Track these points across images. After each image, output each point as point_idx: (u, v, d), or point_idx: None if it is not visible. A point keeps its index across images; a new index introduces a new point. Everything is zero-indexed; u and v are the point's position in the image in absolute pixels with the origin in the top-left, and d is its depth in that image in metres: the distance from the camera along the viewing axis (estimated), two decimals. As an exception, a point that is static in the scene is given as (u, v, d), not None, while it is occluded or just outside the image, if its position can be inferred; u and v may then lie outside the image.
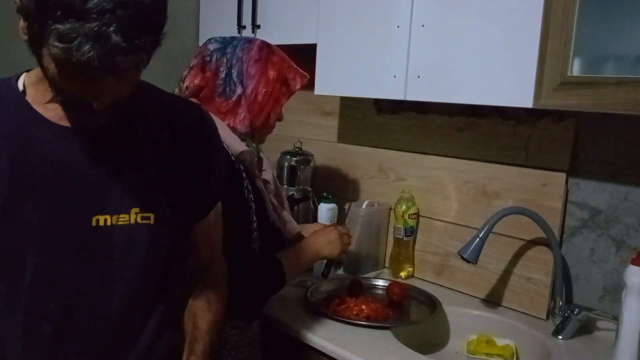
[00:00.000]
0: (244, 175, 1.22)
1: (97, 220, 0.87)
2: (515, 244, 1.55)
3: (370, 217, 1.77)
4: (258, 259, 1.24)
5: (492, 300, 1.60)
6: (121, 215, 0.88)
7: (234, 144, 1.21)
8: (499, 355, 1.38)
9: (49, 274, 0.87)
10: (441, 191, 1.71)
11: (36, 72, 0.86)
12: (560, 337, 1.38)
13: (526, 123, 1.53)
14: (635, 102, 1.07)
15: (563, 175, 1.46)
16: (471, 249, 1.38)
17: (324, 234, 1.42)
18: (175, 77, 2.17)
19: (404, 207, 1.72)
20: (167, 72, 2.15)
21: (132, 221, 0.89)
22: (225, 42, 1.30)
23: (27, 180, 0.84)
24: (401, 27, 1.45)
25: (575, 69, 1.16)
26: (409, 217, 1.72)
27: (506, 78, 1.27)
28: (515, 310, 1.55)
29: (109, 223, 0.88)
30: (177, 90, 1.33)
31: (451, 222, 1.69)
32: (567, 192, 1.47)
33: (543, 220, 1.42)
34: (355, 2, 1.57)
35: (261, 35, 1.91)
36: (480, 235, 1.38)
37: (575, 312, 1.37)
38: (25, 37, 0.77)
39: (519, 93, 1.23)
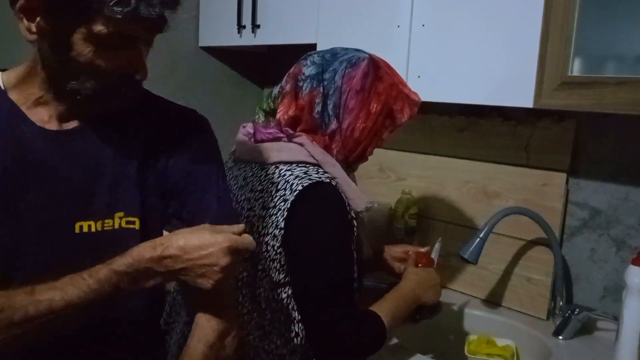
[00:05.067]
0: (355, 224, 1.08)
1: (81, 227, 0.84)
2: (516, 244, 1.55)
3: (370, 217, 1.76)
4: (358, 320, 1.07)
5: (493, 300, 1.59)
6: (106, 221, 0.86)
7: (356, 199, 1.08)
8: (499, 355, 1.38)
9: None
10: (441, 191, 1.71)
11: (15, 73, 0.85)
12: (560, 337, 1.38)
13: (526, 123, 1.53)
14: (635, 102, 1.07)
15: (563, 175, 1.46)
16: (471, 249, 1.37)
17: (426, 277, 1.26)
18: (175, 78, 2.19)
19: (404, 207, 1.72)
20: (167, 73, 2.16)
21: (117, 226, 0.86)
22: (324, 65, 1.11)
23: (15, 182, 0.82)
24: (401, 27, 1.45)
25: (576, 69, 1.16)
26: (409, 217, 1.72)
27: (506, 78, 1.27)
28: (515, 310, 1.54)
29: (93, 229, 0.85)
30: (259, 110, 1.18)
31: (451, 222, 1.69)
32: (567, 192, 1.47)
33: (543, 221, 1.42)
34: (355, 2, 1.57)
35: (261, 35, 1.91)
36: (481, 235, 1.37)
37: (576, 313, 1.37)
38: (33, 37, 0.77)
39: (519, 93, 1.23)
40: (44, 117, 0.84)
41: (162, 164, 0.91)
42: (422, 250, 1.40)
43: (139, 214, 0.88)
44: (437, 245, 1.41)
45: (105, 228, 0.85)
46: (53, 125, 0.85)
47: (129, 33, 0.76)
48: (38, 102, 0.84)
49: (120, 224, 0.86)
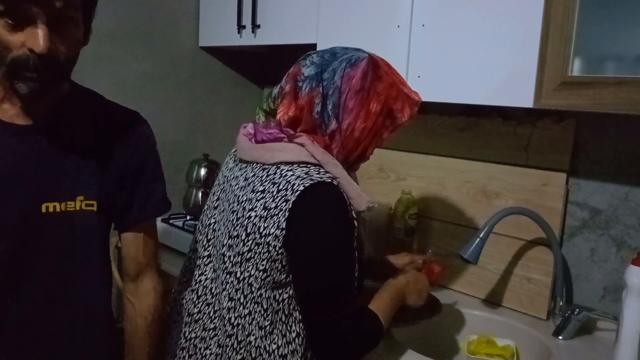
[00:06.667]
0: (355, 224, 1.08)
1: (47, 207, 0.97)
2: (516, 244, 1.55)
3: (370, 217, 1.76)
4: (358, 319, 1.08)
5: (493, 300, 1.60)
6: (69, 203, 0.99)
7: (357, 198, 1.08)
8: (499, 355, 1.38)
9: (2, 259, 0.95)
10: (441, 191, 1.71)
11: None
12: (560, 337, 1.38)
13: (526, 123, 1.53)
14: (635, 102, 1.07)
15: (563, 175, 1.46)
16: (471, 249, 1.38)
17: (415, 281, 1.26)
18: (175, 78, 2.19)
19: (404, 207, 1.72)
20: (167, 73, 2.16)
21: (78, 208, 1.00)
22: (323, 65, 1.10)
23: None
24: (401, 27, 1.45)
25: (576, 68, 1.16)
26: (409, 217, 1.72)
27: (506, 78, 1.27)
28: (515, 310, 1.54)
29: (58, 210, 0.98)
30: (259, 111, 1.18)
31: (451, 222, 1.69)
32: (567, 192, 1.47)
33: (543, 221, 1.42)
34: (355, 2, 1.57)
35: (261, 35, 1.91)
36: (481, 235, 1.38)
37: (576, 312, 1.37)
38: None
39: (519, 93, 1.23)
40: (9, 113, 0.95)
41: (117, 156, 1.05)
42: (429, 261, 1.40)
43: (96, 198, 1.02)
44: (428, 255, 1.45)
45: (67, 209, 0.99)
46: (19, 121, 0.96)
47: (22, 10, 0.83)
48: (3, 101, 0.95)
49: (80, 206, 1.00)
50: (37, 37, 0.84)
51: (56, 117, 0.99)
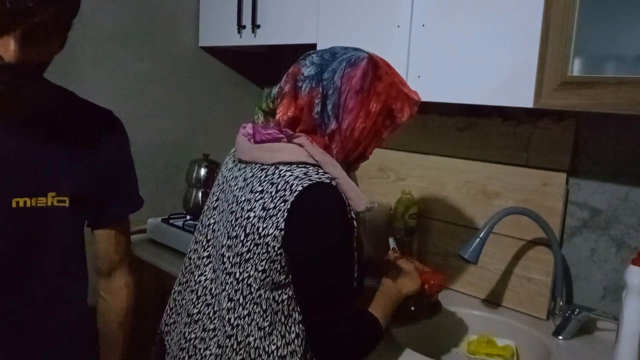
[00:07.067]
0: (355, 224, 1.08)
1: (17, 202, 0.96)
2: (516, 244, 1.55)
3: (370, 217, 1.76)
4: (357, 320, 1.08)
5: (493, 300, 1.60)
6: (40, 198, 0.98)
7: (356, 199, 1.07)
8: (499, 355, 1.38)
9: None
10: (441, 191, 1.71)
11: None
12: (560, 337, 1.38)
13: (526, 123, 1.53)
14: (635, 102, 1.07)
15: (563, 175, 1.46)
16: (471, 249, 1.38)
17: (401, 269, 1.28)
18: (175, 78, 2.19)
19: (404, 207, 1.72)
20: (167, 73, 2.16)
21: (49, 204, 0.99)
22: (323, 65, 1.10)
23: None
24: (401, 27, 1.45)
25: (576, 68, 1.16)
26: (409, 217, 1.72)
27: (506, 78, 1.27)
28: (515, 310, 1.55)
29: (28, 205, 0.97)
30: (258, 110, 1.19)
31: (451, 222, 1.69)
32: (567, 192, 1.47)
33: (543, 221, 1.42)
34: (355, 2, 1.57)
35: (261, 35, 1.91)
36: (481, 235, 1.38)
37: (576, 312, 1.37)
38: None
39: (519, 93, 1.23)
40: None
41: (91, 154, 1.06)
42: (428, 269, 1.39)
43: (68, 194, 1.01)
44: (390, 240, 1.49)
45: (38, 205, 0.98)
46: None
47: None
48: None
49: (52, 202, 1.00)
50: (9, 47, 0.84)
51: (29, 114, 0.99)
